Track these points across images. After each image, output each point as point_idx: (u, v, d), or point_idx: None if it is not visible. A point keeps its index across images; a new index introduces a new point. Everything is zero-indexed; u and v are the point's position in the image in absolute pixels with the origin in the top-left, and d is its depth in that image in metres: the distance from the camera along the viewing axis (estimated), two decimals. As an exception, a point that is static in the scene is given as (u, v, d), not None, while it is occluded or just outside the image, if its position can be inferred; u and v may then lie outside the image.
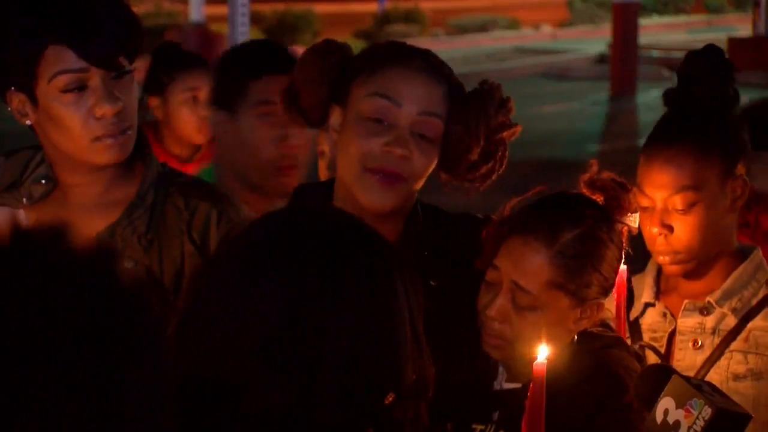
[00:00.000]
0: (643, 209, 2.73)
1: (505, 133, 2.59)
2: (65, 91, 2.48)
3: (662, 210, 2.73)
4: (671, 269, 2.78)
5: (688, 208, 2.71)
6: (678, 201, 2.71)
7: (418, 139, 2.49)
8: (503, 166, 2.61)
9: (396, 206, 2.51)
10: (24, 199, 2.61)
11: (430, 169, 2.54)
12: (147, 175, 2.63)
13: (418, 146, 2.48)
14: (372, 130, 2.48)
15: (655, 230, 2.73)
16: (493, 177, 2.62)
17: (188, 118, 4.78)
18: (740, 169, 2.76)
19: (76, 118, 2.49)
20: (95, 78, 2.48)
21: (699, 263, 2.77)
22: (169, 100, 4.79)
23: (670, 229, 2.73)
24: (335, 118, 2.55)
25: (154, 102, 4.81)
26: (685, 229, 2.72)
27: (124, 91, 2.52)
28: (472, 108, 2.53)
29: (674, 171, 2.71)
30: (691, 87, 2.77)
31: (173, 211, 2.64)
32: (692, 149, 2.71)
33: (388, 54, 2.54)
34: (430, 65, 2.54)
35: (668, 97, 2.83)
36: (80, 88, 2.48)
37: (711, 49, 2.82)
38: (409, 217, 2.58)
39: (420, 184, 2.55)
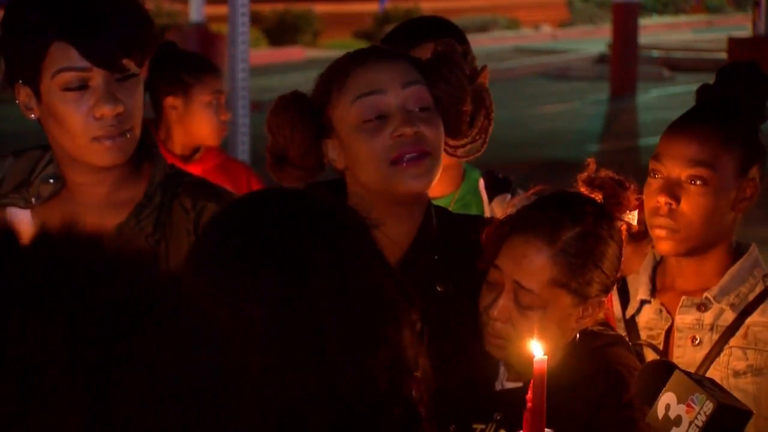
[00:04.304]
0: (654, 180, 2.78)
1: (481, 77, 2.63)
2: (66, 89, 2.48)
3: (674, 181, 2.76)
4: (664, 246, 2.80)
5: (700, 184, 2.75)
6: (693, 174, 2.75)
7: (417, 113, 2.50)
8: (493, 113, 2.63)
9: (431, 182, 2.52)
10: (33, 199, 2.61)
11: (443, 137, 2.55)
12: (155, 176, 2.62)
13: (421, 118, 2.50)
14: (374, 128, 2.49)
15: (662, 199, 2.75)
16: (491, 128, 2.63)
17: (211, 119, 4.80)
18: (754, 173, 2.79)
19: (76, 117, 2.49)
20: (97, 78, 2.48)
21: (690, 248, 2.79)
22: (193, 100, 4.78)
23: (678, 200, 2.75)
24: (331, 151, 2.57)
25: (173, 101, 4.79)
26: (690, 206, 2.75)
27: (127, 93, 2.51)
28: (444, 64, 2.55)
29: (696, 145, 2.75)
30: (728, 88, 2.81)
31: (181, 212, 2.64)
32: (717, 131, 2.77)
33: (343, 64, 2.56)
34: (384, 51, 2.58)
35: (702, 91, 2.88)
36: (81, 86, 2.48)
37: (755, 65, 2.90)
38: (425, 220, 2.59)
39: (441, 158, 2.55)
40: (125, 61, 2.49)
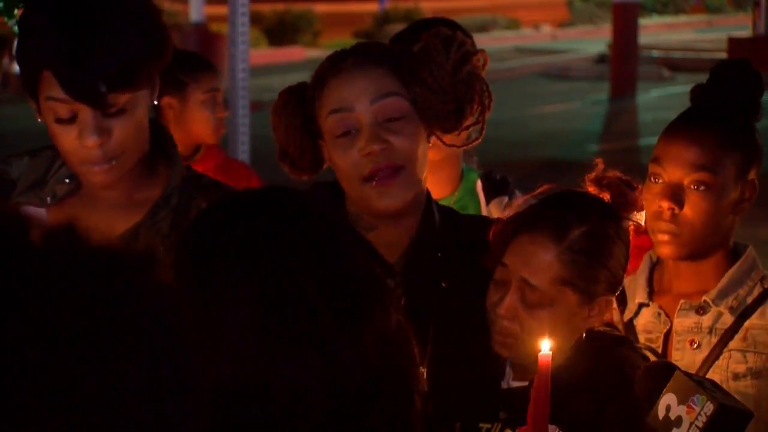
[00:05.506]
0: (655, 184, 2.77)
1: (469, 66, 2.55)
2: (57, 119, 2.43)
3: (676, 186, 2.76)
4: (666, 250, 2.79)
5: (703, 189, 2.74)
6: (696, 179, 2.74)
7: (388, 125, 2.50)
8: (492, 98, 2.59)
9: (408, 197, 2.52)
10: (48, 198, 2.60)
11: (421, 145, 2.54)
12: (172, 177, 2.60)
13: (392, 130, 2.50)
14: (345, 144, 2.51)
15: (665, 204, 2.75)
16: (489, 112, 2.60)
17: (208, 117, 4.79)
18: (753, 174, 2.80)
19: (65, 141, 2.46)
20: (84, 110, 2.41)
21: (691, 252, 2.79)
22: (189, 99, 4.78)
23: (681, 204, 2.75)
24: (326, 154, 2.59)
25: (169, 101, 4.78)
26: (693, 209, 2.75)
27: (119, 123, 2.43)
28: (420, 65, 2.53)
29: (697, 148, 2.75)
30: (722, 87, 2.81)
31: None
32: (717, 134, 2.76)
33: (322, 70, 2.57)
34: (363, 56, 2.55)
35: (696, 92, 2.87)
36: (71, 118, 2.43)
37: (747, 62, 2.89)
38: (425, 217, 2.59)
39: (423, 166, 2.55)
40: (111, 97, 2.39)
